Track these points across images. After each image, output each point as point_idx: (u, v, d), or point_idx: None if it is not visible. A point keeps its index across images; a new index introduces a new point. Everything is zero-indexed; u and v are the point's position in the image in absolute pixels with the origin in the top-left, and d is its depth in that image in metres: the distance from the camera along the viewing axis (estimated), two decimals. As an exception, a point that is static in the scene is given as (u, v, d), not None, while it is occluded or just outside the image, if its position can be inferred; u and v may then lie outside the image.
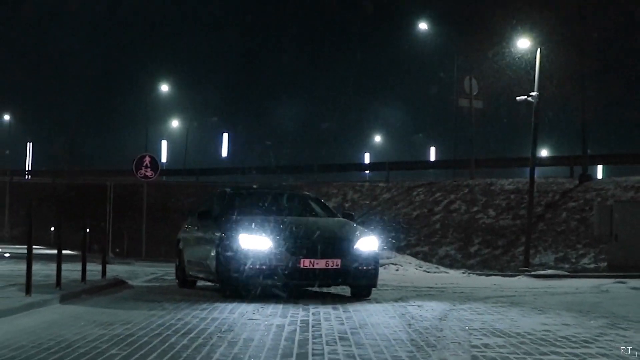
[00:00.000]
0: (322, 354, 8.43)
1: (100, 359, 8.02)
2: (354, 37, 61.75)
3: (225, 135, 70.87)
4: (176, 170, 65.48)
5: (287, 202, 16.46)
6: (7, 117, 71.82)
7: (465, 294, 17.47)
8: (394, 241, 36.04)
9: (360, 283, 14.17)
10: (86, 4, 74.08)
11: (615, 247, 27.31)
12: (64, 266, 15.21)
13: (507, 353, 8.80)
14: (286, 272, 13.43)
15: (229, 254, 13.91)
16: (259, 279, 13.51)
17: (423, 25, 54.12)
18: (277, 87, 64.57)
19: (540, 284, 22.83)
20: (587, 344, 9.77)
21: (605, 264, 28.45)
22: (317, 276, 13.66)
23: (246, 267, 13.48)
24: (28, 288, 12.73)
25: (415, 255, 33.01)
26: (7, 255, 29.59)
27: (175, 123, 73.03)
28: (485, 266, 32.27)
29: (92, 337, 9.36)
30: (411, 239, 37.20)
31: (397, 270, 26.46)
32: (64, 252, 15.48)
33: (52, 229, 37.99)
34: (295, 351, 8.58)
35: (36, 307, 11.99)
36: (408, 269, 27.03)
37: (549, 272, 27.25)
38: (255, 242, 13.60)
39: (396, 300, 14.95)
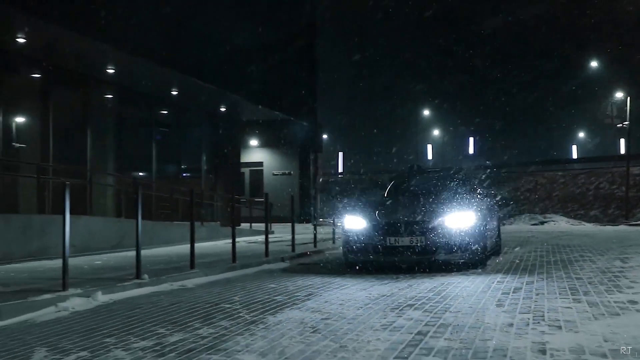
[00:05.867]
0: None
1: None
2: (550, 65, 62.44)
3: (471, 139, 68.61)
4: (434, 169, 66.23)
5: (429, 182, 13.58)
6: (325, 136, 73.79)
7: (578, 232, 22.89)
8: (560, 208, 39.14)
9: (451, 258, 11.23)
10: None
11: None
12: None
13: (539, 242, 15.61)
14: (376, 249, 11.41)
15: (341, 232, 12.54)
16: (357, 255, 11.65)
17: (594, 63, 58.42)
18: (508, 101, 65.59)
19: (625, 228, 26.19)
20: (589, 250, 13.91)
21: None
22: (403, 253, 11.26)
23: (348, 244, 11.79)
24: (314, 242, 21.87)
25: (573, 216, 36.15)
26: None
27: (435, 132, 73.81)
28: (615, 222, 34.34)
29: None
30: (574, 206, 40.16)
31: (554, 224, 30.78)
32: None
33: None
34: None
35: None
36: (560, 224, 31.09)
37: (638, 222, 31.05)
38: (354, 222, 11.78)
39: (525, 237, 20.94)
